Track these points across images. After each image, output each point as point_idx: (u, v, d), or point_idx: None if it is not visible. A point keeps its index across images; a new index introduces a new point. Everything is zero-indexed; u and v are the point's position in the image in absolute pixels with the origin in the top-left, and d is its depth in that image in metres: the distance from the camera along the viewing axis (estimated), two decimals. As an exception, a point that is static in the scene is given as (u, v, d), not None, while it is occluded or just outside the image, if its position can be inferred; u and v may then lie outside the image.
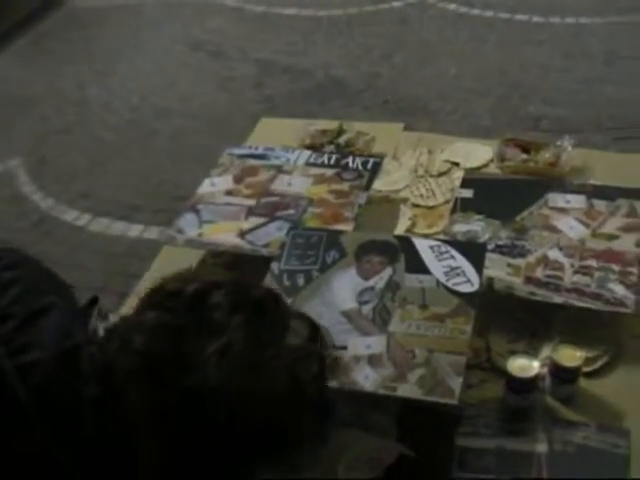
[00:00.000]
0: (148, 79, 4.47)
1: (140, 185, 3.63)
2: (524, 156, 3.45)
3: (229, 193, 3.31)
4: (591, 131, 3.58)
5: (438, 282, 2.61)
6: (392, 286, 2.63)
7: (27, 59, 5.03)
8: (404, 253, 2.73)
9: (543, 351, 2.66)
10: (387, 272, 2.68)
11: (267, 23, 5.04)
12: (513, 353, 2.57)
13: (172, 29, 5.11)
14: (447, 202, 3.28)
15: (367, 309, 2.57)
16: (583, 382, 2.60)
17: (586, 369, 2.62)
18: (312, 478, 2.35)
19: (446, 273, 2.64)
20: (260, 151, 3.56)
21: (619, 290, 2.70)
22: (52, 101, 4.47)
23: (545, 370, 2.58)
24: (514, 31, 4.51)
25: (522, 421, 2.52)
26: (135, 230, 3.39)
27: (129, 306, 2.93)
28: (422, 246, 2.75)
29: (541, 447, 2.43)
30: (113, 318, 2.91)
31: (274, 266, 2.77)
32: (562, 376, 2.55)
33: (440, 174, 3.47)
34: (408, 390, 2.33)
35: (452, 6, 4.93)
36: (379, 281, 2.66)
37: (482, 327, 2.71)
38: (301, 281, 2.70)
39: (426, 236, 2.98)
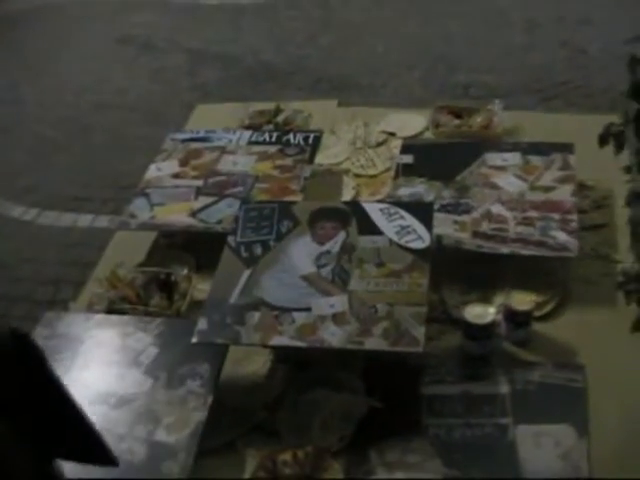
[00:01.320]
0: (80, 76, 4.44)
1: (85, 177, 3.61)
2: (457, 121, 3.53)
3: (176, 176, 3.33)
4: (519, 94, 3.67)
5: (391, 241, 2.67)
6: (347, 248, 2.68)
7: (-47, 62, 4.97)
8: (355, 217, 2.78)
9: (496, 300, 2.74)
10: (341, 236, 2.73)
11: (193, 14, 5.05)
12: (467, 304, 2.65)
13: (98, 25, 5.07)
14: (388, 170, 3.35)
15: (326, 271, 2.62)
16: (536, 325, 2.69)
17: (537, 313, 2.71)
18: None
19: (397, 232, 2.70)
20: (202, 134, 3.58)
21: (561, 236, 2.80)
22: (-17, 104, 4.43)
23: (500, 317, 2.67)
24: (436, 5, 4.61)
25: (483, 367, 2.59)
26: (85, 220, 3.37)
27: (87, 294, 2.97)
28: (372, 209, 2.80)
29: (504, 388, 2.51)
30: (73, 307, 2.93)
31: (230, 239, 2.80)
32: (516, 320, 2.63)
33: (378, 144, 3.54)
34: (374, 343, 2.38)
35: (374, -16, 5.02)
36: (334, 245, 2.70)
37: (435, 282, 2.77)
38: (259, 251, 2.73)
39: (373, 202, 3.04)
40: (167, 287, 2.90)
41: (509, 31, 4.24)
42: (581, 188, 3.10)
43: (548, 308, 2.73)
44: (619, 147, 1.98)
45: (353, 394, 2.52)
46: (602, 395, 2.45)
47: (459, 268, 2.85)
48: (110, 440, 2.33)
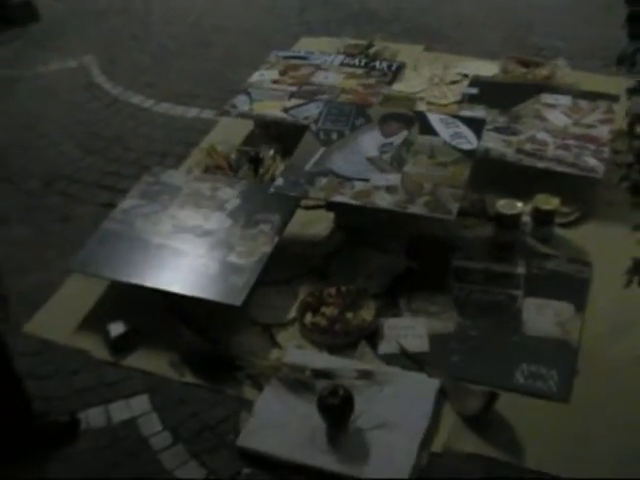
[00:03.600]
0: (202, 3, 4.98)
1: (198, 80, 4.11)
2: (524, 70, 3.94)
3: (275, 82, 3.82)
4: (584, 58, 4.05)
5: (444, 142, 3.10)
6: (407, 143, 3.12)
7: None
8: (419, 121, 3.23)
9: (527, 206, 3.14)
10: (404, 133, 3.17)
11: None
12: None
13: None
14: (457, 102, 3.79)
15: (387, 156, 3.06)
16: (559, 231, 3.08)
17: (562, 220, 3.12)
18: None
19: (451, 136, 3.12)
20: (302, 54, 4.09)
21: (592, 161, 3.19)
22: (119, 14, 4.96)
23: (528, 218, 3.10)
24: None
25: (507, 252, 3.02)
26: (193, 112, 3.87)
27: (187, 164, 3.47)
28: (434, 118, 3.24)
29: (520, 270, 2.91)
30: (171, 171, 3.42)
31: (312, 126, 3.26)
32: (540, 218, 3.03)
33: (452, 82, 3.97)
34: (416, 209, 2.81)
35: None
36: (397, 139, 3.14)
37: (479, 186, 3.21)
38: (334, 136, 3.18)
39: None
40: (255, 161, 3.39)
41: (592, 6, 4.56)
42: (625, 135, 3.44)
43: (572, 217, 3.12)
44: (632, 65, 2.36)
45: (395, 256, 3.00)
46: (603, 288, 2.84)
47: (501, 178, 3.26)
48: (191, 259, 2.86)
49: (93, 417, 2.54)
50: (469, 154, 3.05)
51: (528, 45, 4.30)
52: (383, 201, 2.87)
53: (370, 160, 3.06)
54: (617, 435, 2.37)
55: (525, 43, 4.33)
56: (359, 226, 3.09)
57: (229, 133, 3.72)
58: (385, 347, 2.68)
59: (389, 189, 2.92)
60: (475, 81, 3.78)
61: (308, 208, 3.23)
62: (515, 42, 4.34)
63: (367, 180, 2.96)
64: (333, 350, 2.68)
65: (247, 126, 3.72)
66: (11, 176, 3.64)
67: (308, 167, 3.05)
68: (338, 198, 2.92)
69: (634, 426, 2.39)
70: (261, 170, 3.36)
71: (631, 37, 2.33)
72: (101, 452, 2.44)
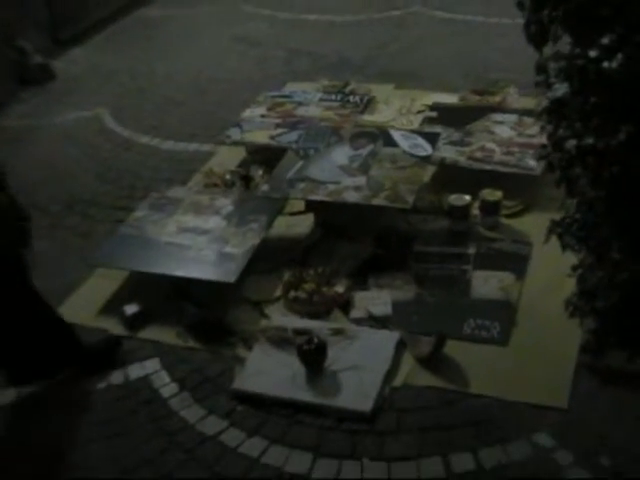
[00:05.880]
0: (201, 59, 5.57)
1: (196, 122, 4.68)
2: (479, 97, 4.52)
3: (263, 116, 4.40)
4: (532, 85, 4.60)
5: (404, 151, 3.65)
6: (373, 153, 3.67)
7: (104, 49, 6.16)
8: (383, 137, 3.77)
9: (476, 201, 3.65)
10: (370, 146, 3.70)
11: (295, 25, 6.15)
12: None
13: (220, 29, 6.17)
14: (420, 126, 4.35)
15: (355, 164, 3.62)
16: (505, 220, 3.59)
17: (507, 212, 3.64)
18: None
19: (410, 147, 3.66)
20: (287, 93, 4.69)
21: (531, 162, 3.73)
22: (127, 74, 5.59)
23: (477, 211, 3.63)
24: (487, 29, 5.55)
25: (460, 239, 3.52)
26: (194, 146, 4.43)
27: (189, 185, 4.01)
28: (396, 134, 3.77)
29: (470, 250, 3.40)
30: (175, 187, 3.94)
31: (293, 145, 3.84)
32: (487, 209, 3.54)
33: (418, 112, 4.53)
34: (378, 201, 3.34)
35: (439, 13, 6.08)
36: (364, 151, 3.69)
37: (436, 188, 3.76)
38: (311, 152, 3.75)
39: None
40: (246, 179, 3.95)
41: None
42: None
43: (515, 209, 3.62)
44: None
45: (364, 245, 3.52)
46: (541, 261, 3.32)
47: (455, 181, 3.80)
48: (193, 252, 3.39)
49: (113, 377, 3.04)
50: (425, 159, 3.60)
51: (486, 79, 4.88)
52: (351, 197, 3.41)
53: (341, 168, 3.60)
54: (545, 368, 2.85)
55: (483, 77, 4.93)
56: (335, 223, 3.61)
57: (225, 160, 4.30)
58: (355, 313, 3.18)
59: (356, 188, 3.45)
60: (434, 106, 4.34)
61: (292, 214, 3.76)
62: (475, 77, 4.94)
63: (338, 183, 3.51)
64: (312, 317, 3.19)
65: (240, 154, 4.29)
66: (36, 202, 4.14)
67: (289, 176, 3.60)
68: (314, 197, 3.46)
69: (557, 361, 2.88)
70: (251, 186, 3.91)
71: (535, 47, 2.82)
72: (121, 401, 2.93)
